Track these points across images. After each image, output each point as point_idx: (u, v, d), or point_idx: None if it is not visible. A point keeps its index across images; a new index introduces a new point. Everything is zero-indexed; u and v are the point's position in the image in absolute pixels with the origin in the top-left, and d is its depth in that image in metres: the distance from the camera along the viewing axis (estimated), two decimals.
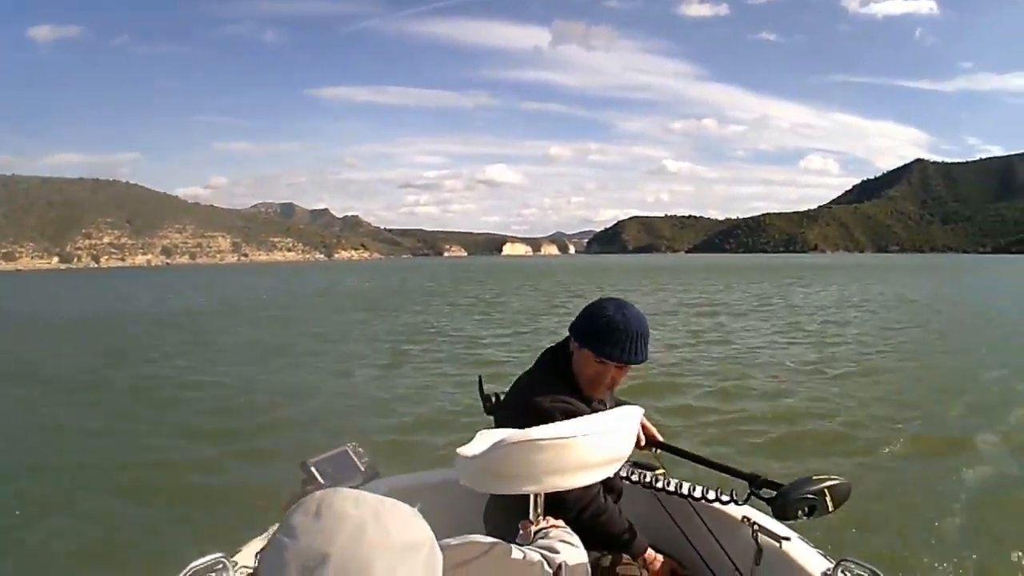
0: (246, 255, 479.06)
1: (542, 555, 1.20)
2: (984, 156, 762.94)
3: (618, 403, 2.12)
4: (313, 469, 1.24)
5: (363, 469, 1.09)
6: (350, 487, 0.75)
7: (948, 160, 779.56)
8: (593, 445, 1.31)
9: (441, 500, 1.74)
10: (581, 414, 1.64)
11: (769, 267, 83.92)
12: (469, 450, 1.29)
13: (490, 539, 1.14)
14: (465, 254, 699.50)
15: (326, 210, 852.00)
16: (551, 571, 1.17)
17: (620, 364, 1.93)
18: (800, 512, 1.84)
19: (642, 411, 1.50)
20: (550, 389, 1.92)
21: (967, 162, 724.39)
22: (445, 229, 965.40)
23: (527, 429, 1.29)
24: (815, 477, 1.87)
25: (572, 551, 1.25)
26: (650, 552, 2.05)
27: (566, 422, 1.36)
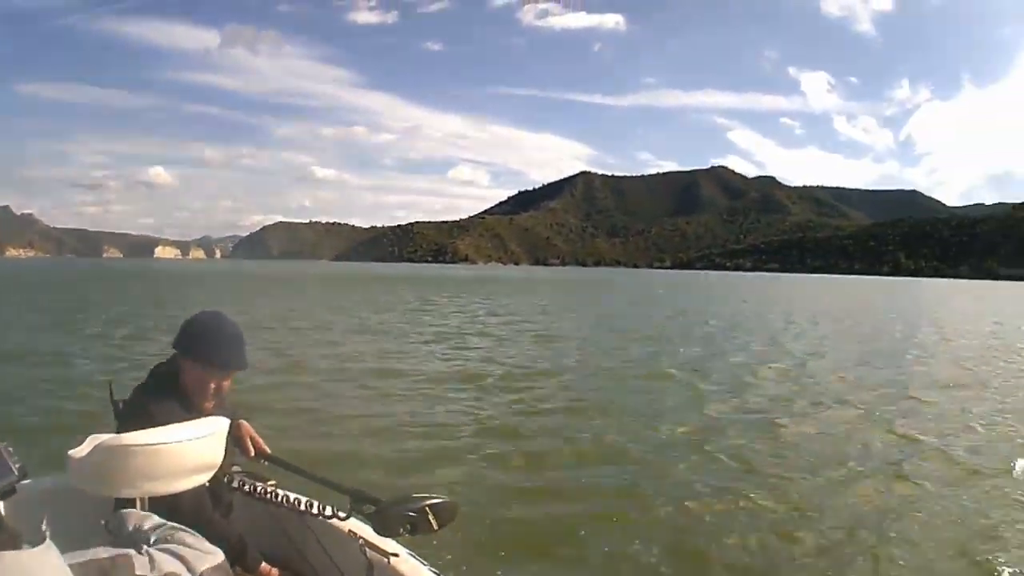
0: None
1: (179, 557, 1.14)
2: (659, 171, 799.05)
3: (231, 414, 2.13)
4: None
5: (14, 470, 1.00)
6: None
7: (619, 173, 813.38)
8: (181, 451, 1.32)
9: (86, 500, 1.67)
10: (182, 422, 1.62)
11: (419, 278, 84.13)
12: (77, 453, 1.30)
13: (114, 550, 1.08)
14: (121, 255, 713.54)
15: (7, 207, 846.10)
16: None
17: (222, 370, 2.00)
18: (402, 529, 1.84)
19: (228, 422, 1.51)
20: (155, 397, 1.93)
21: (642, 176, 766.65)
22: (105, 230, 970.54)
23: (122, 434, 1.32)
24: (415, 495, 1.88)
25: (205, 556, 1.19)
26: (265, 566, 2.03)
27: (156, 429, 1.39)
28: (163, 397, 1.93)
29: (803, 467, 6.24)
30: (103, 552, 1.08)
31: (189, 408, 1.94)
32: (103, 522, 1.29)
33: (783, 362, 13.33)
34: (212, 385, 2.01)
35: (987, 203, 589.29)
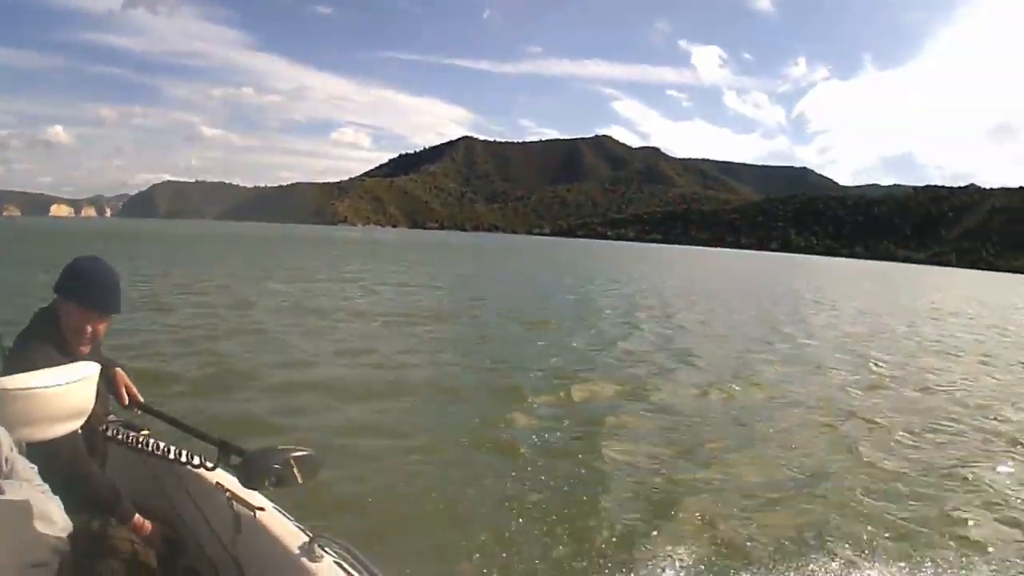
0: None
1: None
2: (540, 139, 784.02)
3: (107, 362, 2.13)
4: None
5: None
6: None
7: (501, 140, 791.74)
8: (53, 396, 1.32)
9: None
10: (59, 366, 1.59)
11: (301, 238, 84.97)
12: None
13: None
14: (19, 214, 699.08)
15: None
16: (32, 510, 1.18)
17: (98, 313, 2.01)
18: (267, 482, 1.84)
19: (98, 367, 1.49)
20: (34, 341, 1.93)
21: (524, 143, 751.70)
22: (5, 188, 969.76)
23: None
24: (281, 447, 1.87)
25: (42, 497, 1.24)
26: (138, 518, 2.02)
27: (29, 374, 1.38)
28: (42, 341, 1.92)
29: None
30: None
31: (66, 352, 1.92)
32: None
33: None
34: (88, 328, 2.00)
35: (882, 184, 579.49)
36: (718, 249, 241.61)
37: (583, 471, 5.39)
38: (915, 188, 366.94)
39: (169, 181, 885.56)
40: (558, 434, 6.40)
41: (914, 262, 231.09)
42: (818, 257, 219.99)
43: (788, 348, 13.17)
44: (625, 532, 4.29)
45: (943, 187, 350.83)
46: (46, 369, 1.41)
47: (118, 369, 2.31)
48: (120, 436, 2.17)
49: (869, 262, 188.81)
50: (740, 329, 15.88)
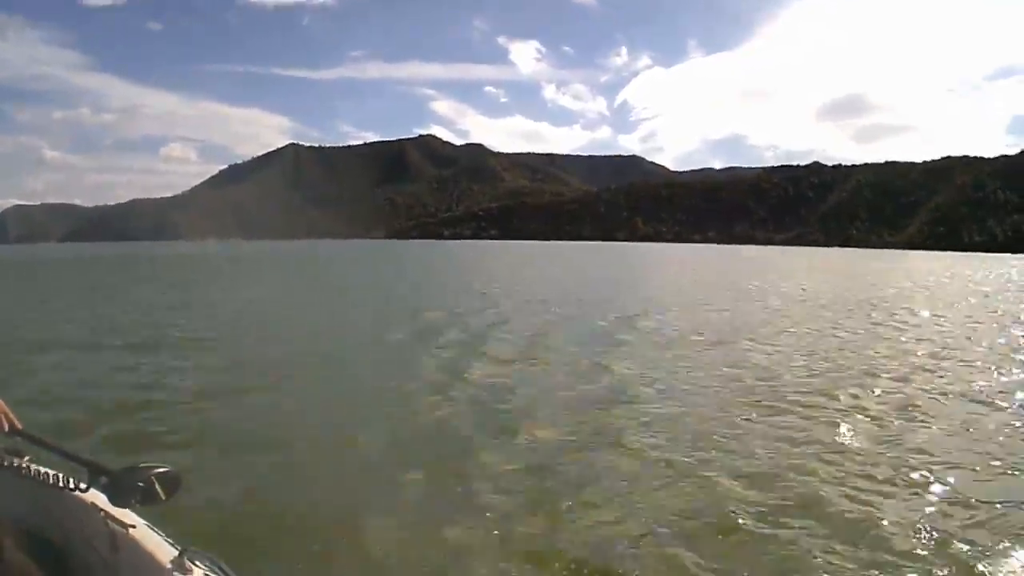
0: None
1: None
2: (360, 142, 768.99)
3: None
4: None
5: None
6: None
7: (326, 144, 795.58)
8: None
9: None
10: None
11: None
12: None
13: None
14: None
15: None
16: None
17: None
18: (134, 499, 1.86)
19: None
20: None
21: (349, 147, 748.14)
22: None
23: None
24: (142, 465, 1.89)
25: None
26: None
27: None
28: None
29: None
30: None
31: None
32: None
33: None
34: None
35: (716, 167, 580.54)
36: (568, 242, 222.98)
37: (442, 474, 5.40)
38: (764, 169, 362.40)
39: (17, 205, 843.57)
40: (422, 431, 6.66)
41: (776, 244, 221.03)
42: (692, 245, 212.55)
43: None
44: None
45: (798, 166, 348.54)
46: None
47: None
48: (5, 462, 2.17)
49: (751, 247, 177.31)
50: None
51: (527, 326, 13.98)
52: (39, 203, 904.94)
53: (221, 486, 4.93)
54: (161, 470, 1.88)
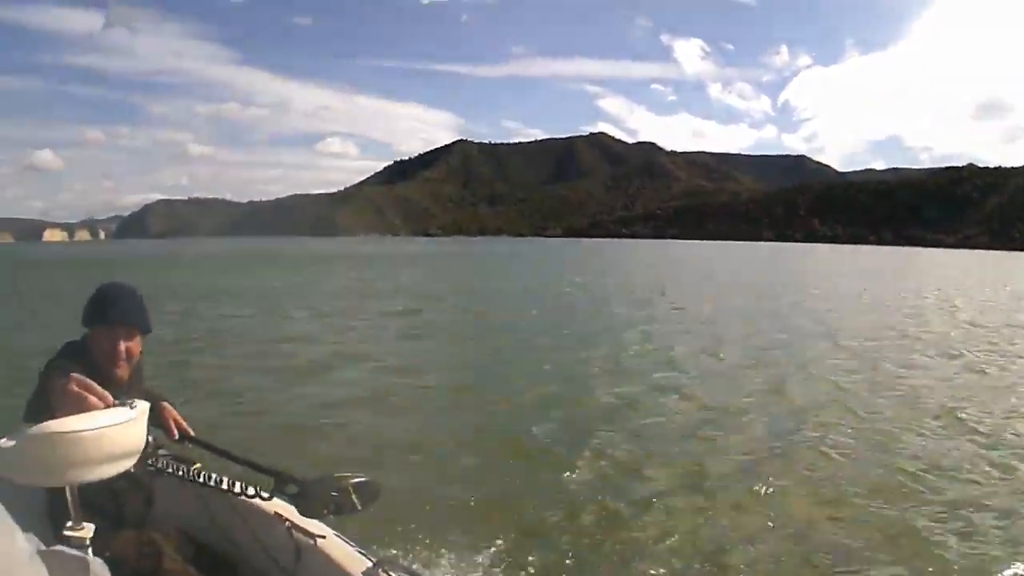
0: None
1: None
2: (529, 140, 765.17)
3: (152, 397, 2.11)
4: None
5: None
6: None
7: (495, 141, 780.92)
8: (107, 437, 1.32)
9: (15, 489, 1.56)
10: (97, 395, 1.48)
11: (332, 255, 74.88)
12: (6, 442, 1.28)
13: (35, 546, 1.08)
14: (13, 241, 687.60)
15: None
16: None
17: (125, 326, 2.01)
18: (326, 509, 1.85)
19: (148, 405, 1.51)
20: (62, 362, 1.88)
21: (518, 143, 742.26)
22: None
23: (47, 422, 1.28)
24: (337, 475, 1.87)
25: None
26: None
27: (81, 415, 1.34)
28: (72, 362, 1.83)
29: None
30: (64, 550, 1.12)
31: (102, 378, 1.71)
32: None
33: None
34: (121, 346, 1.99)
35: (877, 168, 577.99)
36: (754, 243, 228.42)
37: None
38: (932, 170, 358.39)
39: (161, 200, 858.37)
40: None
41: (945, 246, 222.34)
42: (887, 247, 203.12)
43: None
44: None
45: (962, 167, 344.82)
46: (98, 411, 1.38)
47: (165, 403, 2.31)
48: (170, 469, 2.16)
49: (928, 249, 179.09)
50: None
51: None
52: (186, 197, 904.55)
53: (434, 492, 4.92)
54: (358, 480, 1.87)
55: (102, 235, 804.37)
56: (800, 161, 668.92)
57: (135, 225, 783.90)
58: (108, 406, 1.31)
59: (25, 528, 0.94)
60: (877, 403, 8.11)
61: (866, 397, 8.43)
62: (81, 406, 1.30)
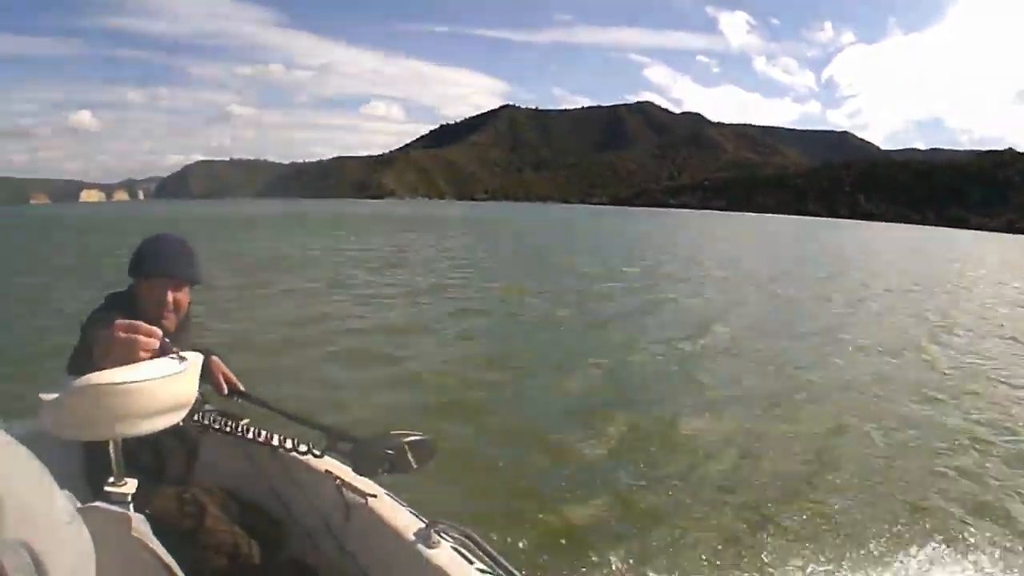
0: None
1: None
2: (574, 107, 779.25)
3: (200, 350, 2.05)
4: None
5: None
6: None
7: (542, 107, 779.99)
8: (157, 389, 1.28)
9: (55, 445, 1.51)
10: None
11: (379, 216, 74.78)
12: (48, 396, 1.23)
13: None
14: (49, 202, 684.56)
15: None
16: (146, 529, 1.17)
17: (172, 278, 1.95)
18: (380, 468, 1.81)
19: (201, 357, 1.45)
20: (105, 313, 1.85)
21: (565, 110, 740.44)
22: (31, 177, 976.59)
23: (94, 374, 1.22)
24: (394, 432, 1.85)
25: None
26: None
27: (131, 366, 1.29)
28: (116, 312, 1.72)
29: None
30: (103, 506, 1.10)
31: None
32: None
33: None
34: (169, 296, 1.95)
35: (920, 148, 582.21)
36: (800, 217, 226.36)
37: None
38: (975, 152, 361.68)
39: (202, 161, 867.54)
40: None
41: (988, 229, 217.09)
42: (934, 228, 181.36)
43: None
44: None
45: (1003, 151, 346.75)
46: (149, 361, 1.32)
47: (214, 357, 2.26)
48: (217, 424, 2.12)
49: (982, 233, 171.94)
50: None
51: None
52: (227, 159, 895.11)
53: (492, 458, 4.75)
54: (414, 438, 1.83)
55: (141, 195, 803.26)
56: (844, 137, 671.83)
57: (175, 186, 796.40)
58: (159, 342, 1.25)
59: (62, 485, 0.91)
60: None
61: None
62: (130, 349, 1.23)
